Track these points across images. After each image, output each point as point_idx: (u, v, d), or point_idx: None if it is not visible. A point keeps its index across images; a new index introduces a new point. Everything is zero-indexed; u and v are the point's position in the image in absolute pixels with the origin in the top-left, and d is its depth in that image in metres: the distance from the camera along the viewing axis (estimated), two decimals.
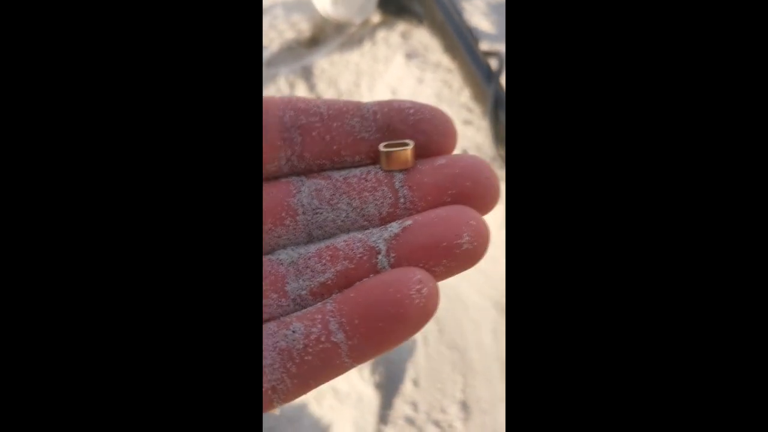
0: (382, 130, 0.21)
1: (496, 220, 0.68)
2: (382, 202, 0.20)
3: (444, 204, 0.20)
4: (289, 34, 0.96)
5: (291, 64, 0.91)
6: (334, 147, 0.20)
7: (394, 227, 0.19)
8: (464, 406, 0.57)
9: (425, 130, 0.20)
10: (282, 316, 0.19)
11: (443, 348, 0.61)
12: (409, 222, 0.19)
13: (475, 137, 0.75)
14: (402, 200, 0.20)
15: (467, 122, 0.77)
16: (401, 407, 0.58)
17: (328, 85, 0.87)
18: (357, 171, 0.21)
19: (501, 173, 0.71)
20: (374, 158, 0.21)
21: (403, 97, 0.83)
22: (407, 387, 0.59)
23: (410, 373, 0.60)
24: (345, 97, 0.85)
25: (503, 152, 0.70)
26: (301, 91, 0.87)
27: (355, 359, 0.18)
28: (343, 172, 0.21)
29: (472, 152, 0.74)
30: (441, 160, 0.20)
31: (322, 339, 0.18)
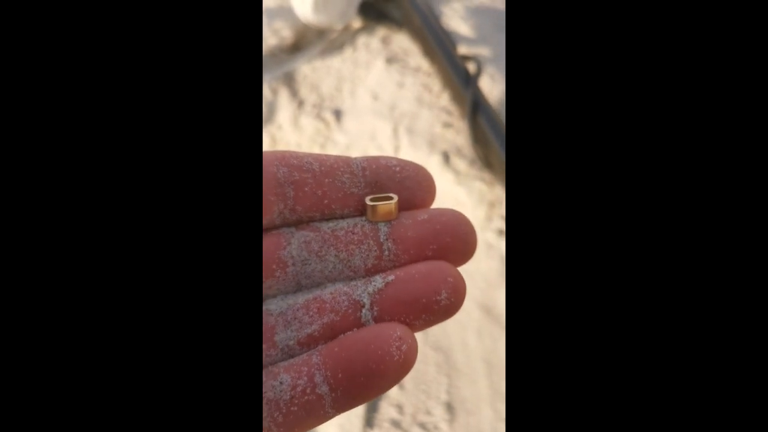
0: (370, 186, 0.22)
1: (477, 220, 0.68)
2: (367, 255, 0.21)
3: (425, 257, 0.21)
4: (272, 41, 0.96)
5: (274, 71, 0.91)
6: (325, 201, 0.21)
7: (378, 282, 0.20)
8: (449, 408, 0.58)
9: (409, 187, 0.22)
10: (270, 365, 0.20)
11: (428, 349, 0.61)
12: (391, 277, 0.20)
13: (456, 140, 0.76)
14: (386, 253, 0.21)
15: (447, 125, 0.78)
16: (387, 410, 0.58)
17: (310, 91, 0.87)
18: (344, 223, 0.22)
19: (481, 174, 0.71)
20: (361, 211, 0.22)
21: (384, 101, 0.83)
22: (392, 389, 0.59)
23: None
24: (327, 103, 0.85)
25: (482, 153, 0.71)
26: (284, 96, 0.87)
27: (338, 409, 0.19)
28: (331, 224, 0.22)
29: (452, 154, 0.74)
30: (423, 215, 0.21)
31: (308, 391, 0.19)
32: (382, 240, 0.21)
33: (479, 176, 0.71)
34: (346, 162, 0.22)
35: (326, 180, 0.21)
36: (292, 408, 0.19)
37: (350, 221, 0.22)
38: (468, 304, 0.64)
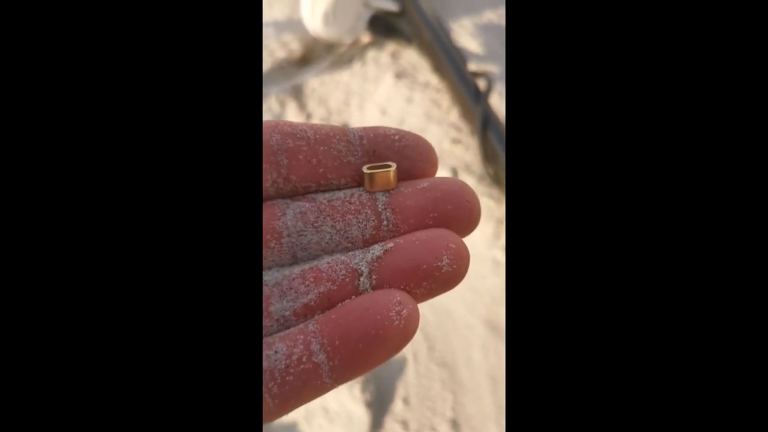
0: (368, 155, 0.21)
1: (484, 237, 0.68)
2: (365, 225, 0.21)
3: (426, 226, 0.20)
4: (280, 54, 0.97)
5: (282, 84, 0.91)
6: (321, 170, 0.21)
7: (376, 250, 0.20)
8: (454, 424, 0.57)
9: (409, 156, 0.21)
10: (265, 336, 0.19)
11: (433, 366, 0.61)
12: (390, 245, 0.20)
13: (464, 156, 0.76)
14: (385, 223, 0.20)
15: (456, 141, 0.78)
16: (391, 426, 0.58)
17: (318, 104, 0.88)
18: (341, 194, 0.21)
19: (490, 191, 0.72)
20: (359, 181, 0.21)
21: (393, 116, 0.84)
22: (397, 405, 0.59)
23: (400, 392, 0.59)
24: (335, 116, 0.86)
25: (492, 170, 0.71)
26: (292, 109, 0.87)
27: (336, 380, 0.18)
28: (328, 195, 0.21)
29: (461, 170, 0.75)
30: (423, 183, 0.21)
31: (304, 359, 0.18)
32: (380, 209, 0.21)
33: (487, 192, 0.72)
34: (342, 131, 0.21)
35: (321, 148, 0.21)
36: (287, 377, 0.18)
37: (347, 192, 0.21)
38: (473, 320, 0.64)
